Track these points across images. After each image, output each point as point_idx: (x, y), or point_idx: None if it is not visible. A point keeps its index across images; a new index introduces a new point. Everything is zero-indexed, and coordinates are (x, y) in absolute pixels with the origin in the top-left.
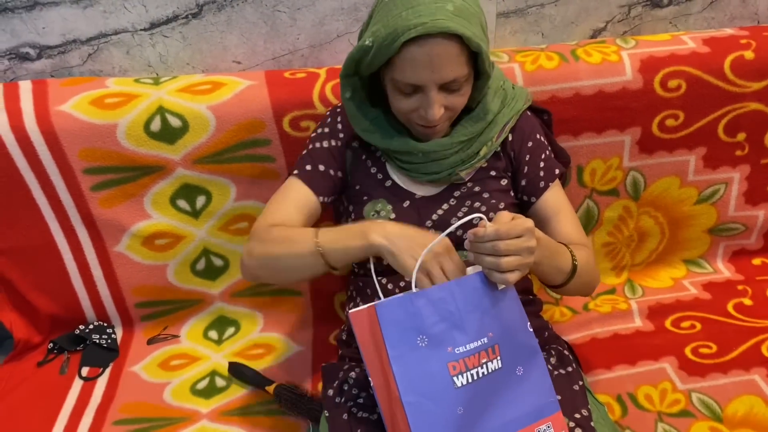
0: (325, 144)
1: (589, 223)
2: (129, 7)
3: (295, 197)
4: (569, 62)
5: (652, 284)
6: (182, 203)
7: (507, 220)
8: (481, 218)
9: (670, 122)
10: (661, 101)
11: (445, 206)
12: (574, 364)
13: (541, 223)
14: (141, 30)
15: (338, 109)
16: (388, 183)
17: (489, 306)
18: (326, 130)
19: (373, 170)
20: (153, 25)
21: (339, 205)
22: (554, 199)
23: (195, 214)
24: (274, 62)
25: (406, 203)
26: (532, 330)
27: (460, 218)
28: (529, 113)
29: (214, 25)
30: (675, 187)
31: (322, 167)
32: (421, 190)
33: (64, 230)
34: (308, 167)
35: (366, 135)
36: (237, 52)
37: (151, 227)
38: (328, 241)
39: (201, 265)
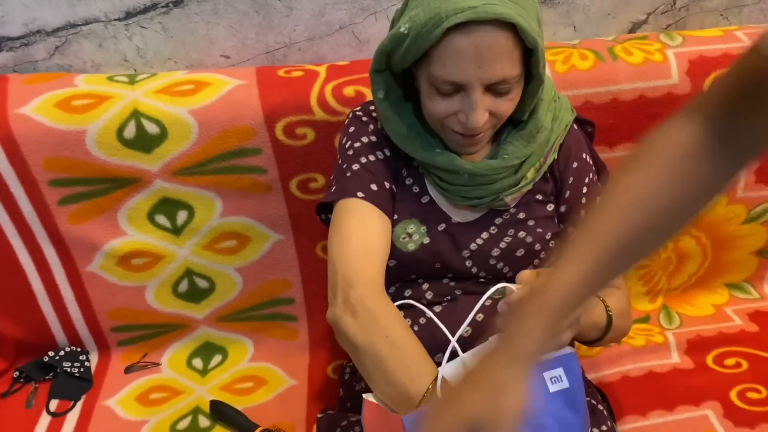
0: (380, 155)
1: None
2: None
3: (379, 230)
4: (606, 62)
5: (691, 312)
6: (161, 219)
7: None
8: (505, 287)
9: None
10: None
11: (484, 235)
12: (609, 422)
13: None
14: (115, 20)
15: (361, 113)
16: (425, 199)
17: (534, 412)
18: (373, 138)
19: (409, 181)
20: (128, 15)
21: None
22: None
23: (176, 231)
24: (267, 57)
25: (441, 227)
26: None
27: (502, 249)
28: (575, 126)
29: (199, 14)
30: (721, 205)
31: (387, 184)
32: (457, 215)
33: (28, 248)
34: (374, 187)
35: (404, 144)
36: (225, 45)
37: (127, 245)
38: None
39: (183, 286)
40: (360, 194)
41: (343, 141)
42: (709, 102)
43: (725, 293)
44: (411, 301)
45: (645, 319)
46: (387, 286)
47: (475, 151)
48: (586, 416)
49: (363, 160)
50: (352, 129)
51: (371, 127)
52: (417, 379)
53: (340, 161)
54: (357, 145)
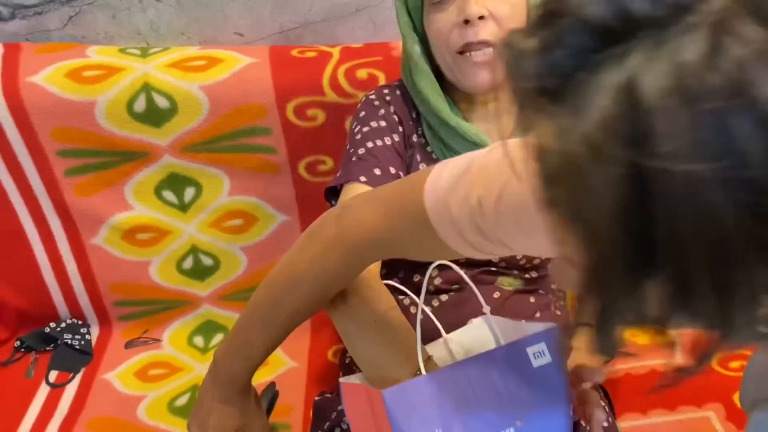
0: (387, 141)
1: None
2: None
3: None
4: None
5: None
6: (168, 195)
7: None
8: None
9: None
10: None
11: None
12: (610, 418)
13: None
14: None
15: (374, 97)
16: None
17: (517, 387)
18: (382, 123)
19: (422, 167)
20: None
21: None
22: None
23: (183, 207)
24: (281, 36)
25: None
26: (573, 416)
27: None
28: None
29: None
30: None
31: (392, 169)
32: None
33: (33, 218)
34: (377, 171)
35: (437, 100)
36: (239, 22)
37: (133, 219)
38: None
39: (188, 263)
40: (363, 179)
41: (353, 125)
42: None
43: None
44: (411, 295)
45: None
46: (396, 272)
47: (489, 80)
48: (568, 391)
49: (369, 144)
50: (362, 114)
51: (382, 111)
52: (405, 363)
53: (348, 146)
54: (365, 129)
